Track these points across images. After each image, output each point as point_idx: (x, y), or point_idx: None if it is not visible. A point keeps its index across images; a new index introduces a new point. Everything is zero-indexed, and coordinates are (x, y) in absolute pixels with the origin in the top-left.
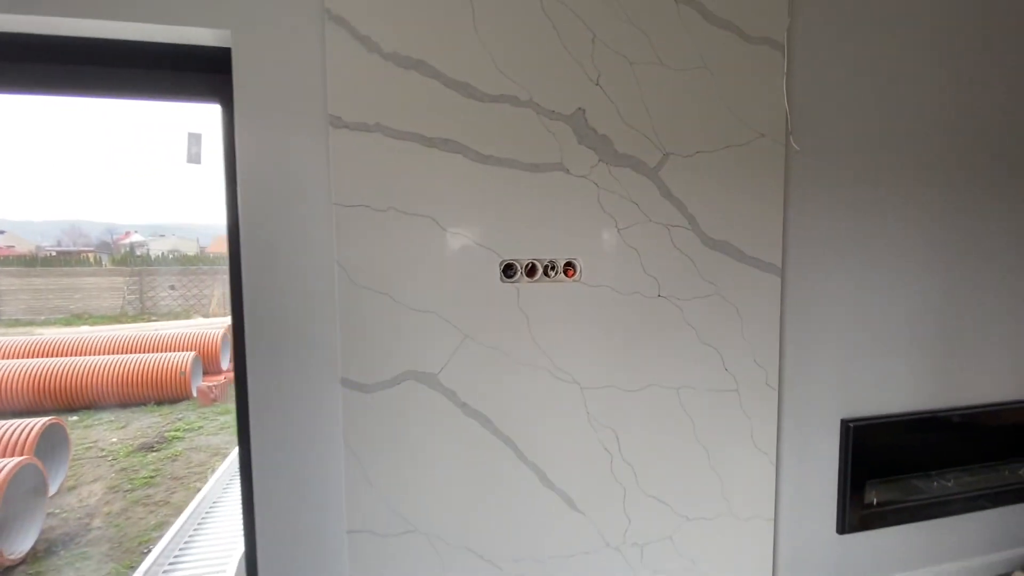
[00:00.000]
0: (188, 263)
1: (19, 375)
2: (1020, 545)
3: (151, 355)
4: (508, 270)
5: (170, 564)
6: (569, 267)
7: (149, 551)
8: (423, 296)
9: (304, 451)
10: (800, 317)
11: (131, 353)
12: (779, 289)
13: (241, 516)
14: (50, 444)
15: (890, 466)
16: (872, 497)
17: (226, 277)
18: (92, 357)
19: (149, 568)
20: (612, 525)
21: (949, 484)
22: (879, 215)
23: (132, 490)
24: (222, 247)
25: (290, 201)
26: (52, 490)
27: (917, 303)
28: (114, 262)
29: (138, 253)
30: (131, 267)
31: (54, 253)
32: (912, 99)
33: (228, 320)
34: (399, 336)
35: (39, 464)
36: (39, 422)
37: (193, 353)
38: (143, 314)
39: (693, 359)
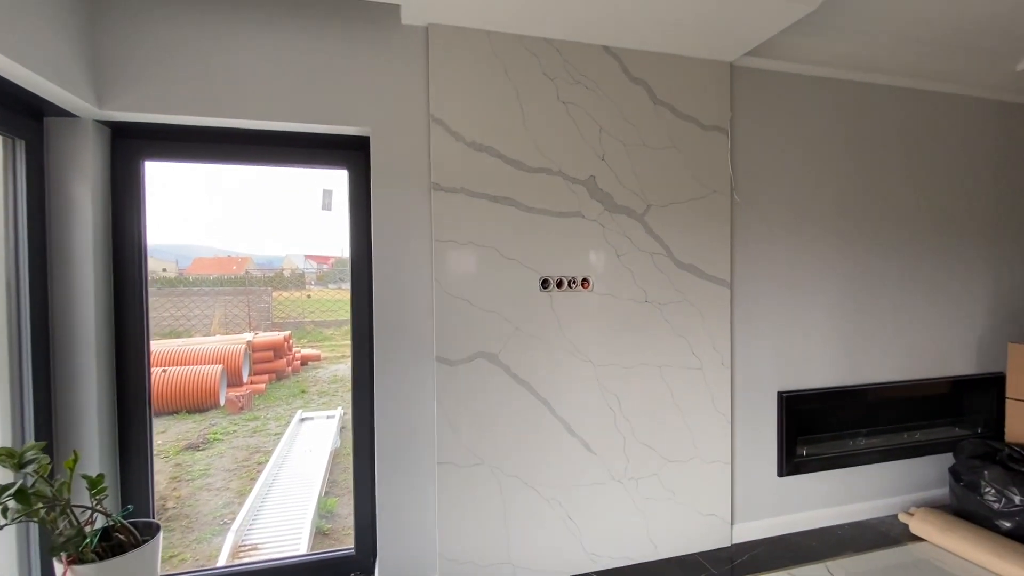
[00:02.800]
0: (168, 285)
1: None
2: (914, 491)
3: (183, 367)
4: (544, 283)
5: (250, 526)
6: (585, 281)
7: (226, 523)
8: (489, 300)
9: (410, 405)
10: (745, 317)
11: (162, 366)
12: (729, 297)
13: (352, 458)
14: None
15: (816, 427)
16: (803, 450)
17: (222, 298)
18: None
19: (239, 526)
20: (616, 464)
21: (861, 442)
22: (800, 244)
23: (192, 480)
24: (202, 269)
25: (406, 238)
26: None
27: (832, 307)
28: None
29: None
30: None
31: None
32: (818, 166)
33: (245, 336)
34: (473, 327)
35: None
36: None
37: (220, 366)
38: None
39: (670, 345)
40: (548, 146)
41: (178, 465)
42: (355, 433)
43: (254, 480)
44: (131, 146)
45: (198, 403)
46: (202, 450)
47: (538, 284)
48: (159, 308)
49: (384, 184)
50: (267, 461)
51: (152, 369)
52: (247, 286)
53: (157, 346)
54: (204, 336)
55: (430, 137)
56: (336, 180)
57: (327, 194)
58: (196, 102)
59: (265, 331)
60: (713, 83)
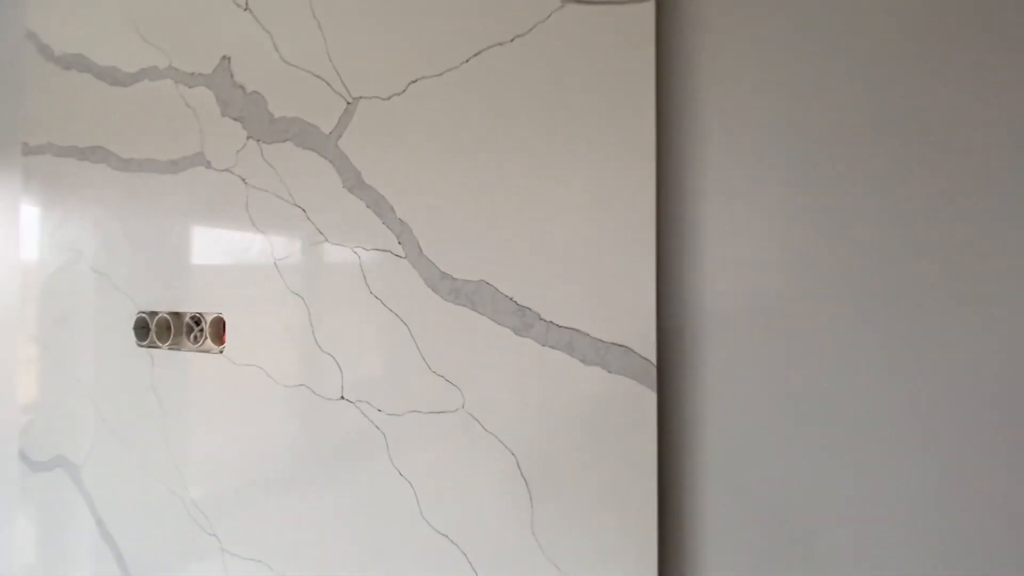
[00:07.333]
0: None
1: None
2: None
3: None
4: (143, 328)
5: None
6: (221, 330)
7: None
8: (70, 354)
9: None
10: (706, 468)
11: None
12: (655, 414)
13: None
14: None
15: None
16: None
17: None
18: None
19: None
20: None
21: None
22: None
23: None
24: None
25: None
26: None
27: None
28: None
29: None
30: None
31: None
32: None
33: None
34: (61, 407)
35: None
36: None
37: None
38: None
39: (415, 544)
40: (155, 17)
41: None
42: None
43: None
44: None
45: None
46: None
47: (132, 329)
48: None
49: None
50: None
51: None
52: None
53: None
54: None
55: (23, 65)
56: None
57: None
58: None
59: None
60: None
